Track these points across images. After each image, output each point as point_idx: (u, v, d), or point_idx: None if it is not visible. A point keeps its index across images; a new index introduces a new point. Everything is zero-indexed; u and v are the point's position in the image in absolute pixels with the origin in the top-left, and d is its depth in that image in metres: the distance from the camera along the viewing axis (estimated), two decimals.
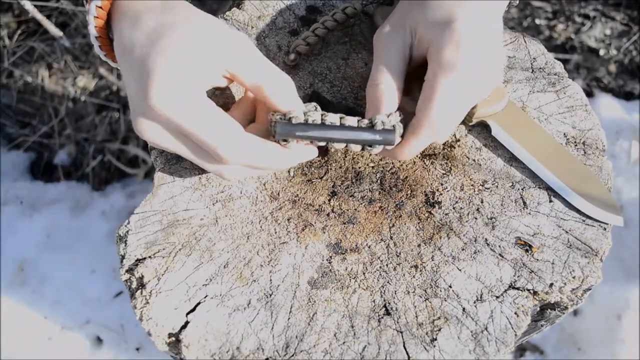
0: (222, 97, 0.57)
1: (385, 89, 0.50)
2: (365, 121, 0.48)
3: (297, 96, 0.49)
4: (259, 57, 0.48)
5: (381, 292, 0.50)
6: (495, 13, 0.50)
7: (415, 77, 0.52)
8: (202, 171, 0.54)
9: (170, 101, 0.43)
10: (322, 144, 0.49)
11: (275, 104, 0.47)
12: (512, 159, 0.56)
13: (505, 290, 0.49)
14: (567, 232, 0.52)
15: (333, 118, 0.48)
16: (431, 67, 0.48)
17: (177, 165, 0.54)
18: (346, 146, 0.49)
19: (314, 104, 0.50)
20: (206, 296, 0.49)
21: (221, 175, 0.48)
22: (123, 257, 0.50)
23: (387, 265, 0.51)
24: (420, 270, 0.50)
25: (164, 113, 0.43)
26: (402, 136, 0.50)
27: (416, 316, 0.48)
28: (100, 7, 0.46)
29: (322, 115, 0.48)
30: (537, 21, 1.53)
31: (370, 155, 0.56)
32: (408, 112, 0.50)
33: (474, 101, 0.50)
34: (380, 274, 0.50)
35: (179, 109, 0.43)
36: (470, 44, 0.47)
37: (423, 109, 0.48)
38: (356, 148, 0.49)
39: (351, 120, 0.48)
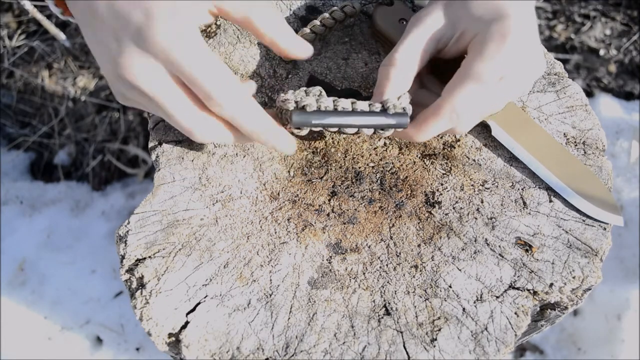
0: None
1: (399, 71, 0.49)
2: (378, 105, 0.49)
3: (287, 25, 0.49)
4: None
5: (381, 292, 0.50)
6: (534, 13, 0.51)
7: (438, 71, 0.52)
8: (202, 171, 0.54)
9: (174, 36, 0.43)
10: (335, 129, 0.49)
11: (267, 34, 0.47)
12: (512, 159, 0.56)
13: (505, 290, 0.49)
14: (567, 232, 0.52)
15: (345, 103, 0.48)
16: (471, 55, 0.48)
17: (177, 165, 0.54)
18: (358, 131, 0.49)
19: (318, 88, 0.50)
20: (206, 296, 0.49)
21: (192, 132, 0.47)
22: (123, 257, 0.50)
23: (387, 265, 0.51)
24: (420, 270, 0.50)
25: (165, 47, 0.43)
26: (412, 117, 0.50)
27: (416, 316, 0.48)
28: None
29: (334, 101, 0.48)
30: (537, 21, 1.53)
31: (375, 151, 0.56)
32: (421, 105, 0.50)
33: (503, 101, 0.50)
34: (380, 274, 0.50)
35: (182, 44, 0.43)
36: (519, 40, 0.47)
37: (450, 90, 0.48)
38: (368, 132, 0.49)
39: (362, 105, 0.48)
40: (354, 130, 0.49)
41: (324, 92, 0.50)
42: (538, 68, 0.50)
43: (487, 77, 0.47)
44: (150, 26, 0.43)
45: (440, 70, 0.54)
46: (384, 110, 0.48)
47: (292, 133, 0.50)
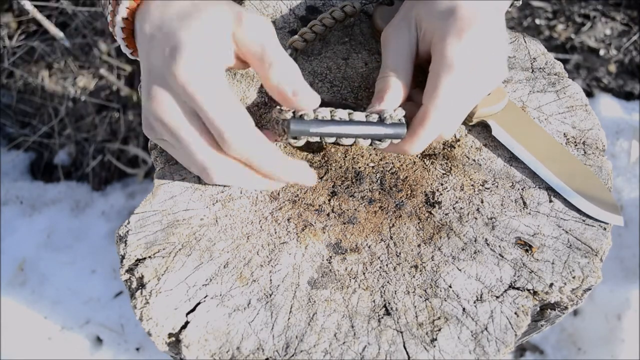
0: None
1: (392, 81, 0.50)
2: (374, 116, 0.49)
3: (303, 79, 0.48)
4: (265, 25, 0.47)
5: (381, 292, 0.50)
6: (498, 6, 0.51)
7: (422, 72, 0.52)
8: None
9: (195, 72, 0.44)
10: (332, 140, 0.49)
11: (276, 79, 0.46)
12: (512, 159, 0.56)
13: (505, 290, 0.49)
14: (567, 232, 0.52)
15: (342, 114, 0.48)
16: (435, 58, 0.49)
17: (177, 165, 0.54)
18: (355, 142, 0.49)
19: None
20: (206, 296, 0.49)
21: (207, 172, 0.47)
22: (123, 257, 0.50)
23: (387, 265, 0.51)
24: (420, 270, 0.50)
25: (186, 82, 0.44)
26: (407, 130, 0.50)
27: (416, 316, 0.48)
28: (128, 8, 0.48)
29: (331, 111, 0.48)
30: (537, 21, 1.53)
31: (375, 151, 0.56)
32: (410, 117, 0.51)
33: (480, 92, 0.50)
34: (380, 274, 0.50)
35: (201, 81, 0.44)
36: (474, 32, 0.47)
37: (429, 97, 0.48)
38: (365, 143, 0.49)
39: (359, 116, 0.48)
40: (351, 141, 0.49)
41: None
42: (502, 51, 0.50)
43: (458, 74, 0.47)
44: (176, 61, 0.44)
45: (420, 80, 0.54)
46: (381, 121, 0.48)
47: (289, 144, 0.50)
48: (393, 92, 0.50)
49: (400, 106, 0.51)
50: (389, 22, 0.54)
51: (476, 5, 0.48)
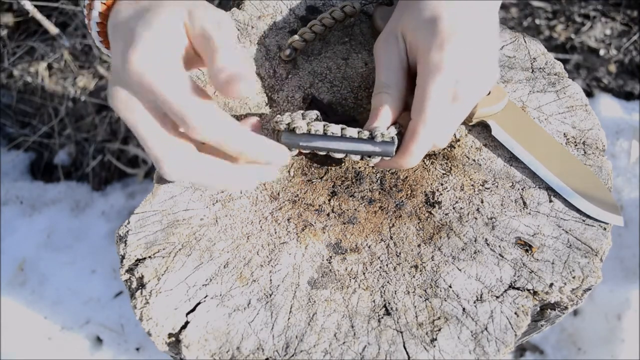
0: None
1: (384, 98, 0.50)
2: (366, 132, 0.50)
3: (248, 67, 0.44)
4: (215, 10, 0.46)
5: (381, 292, 0.50)
6: (484, 8, 0.50)
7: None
8: None
9: (149, 62, 0.42)
10: (323, 153, 0.50)
11: (219, 58, 0.43)
12: (512, 159, 0.56)
13: (505, 290, 0.49)
14: (567, 232, 0.52)
15: (335, 129, 0.49)
16: (420, 70, 0.48)
17: None
18: (346, 156, 0.50)
19: (315, 112, 0.51)
20: (206, 296, 0.49)
21: (159, 164, 0.44)
22: (123, 257, 0.50)
23: (387, 265, 0.51)
24: (420, 270, 0.50)
25: (141, 74, 0.42)
26: (399, 146, 0.50)
27: (416, 316, 0.48)
28: (104, 3, 0.48)
29: (324, 125, 0.49)
30: (537, 21, 1.53)
31: (368, 164, 0.56)
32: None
33: (469, 100, 0.50)
34: (380, 274, 0.50)
35: (156, 71, 0.42)
36: (456, 41, 0.47)
37: (417, 112, 0.48)
38: (355, 158, 0.50)
39: (352, 131, 0.49)
40: (342, 155, 0.50)
41: (319, 117, 0.51)
42: (489, 58, 0.50)
43: (443, 86, 0.47)
44: (129, 55, 0.43)
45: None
46: (372, 138, 0.49)
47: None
48: (386, 109, 0.50)
49: (399, 116, 0.51)
50: (379, 36, 0.54)
51: (458, 13, 0.48)
